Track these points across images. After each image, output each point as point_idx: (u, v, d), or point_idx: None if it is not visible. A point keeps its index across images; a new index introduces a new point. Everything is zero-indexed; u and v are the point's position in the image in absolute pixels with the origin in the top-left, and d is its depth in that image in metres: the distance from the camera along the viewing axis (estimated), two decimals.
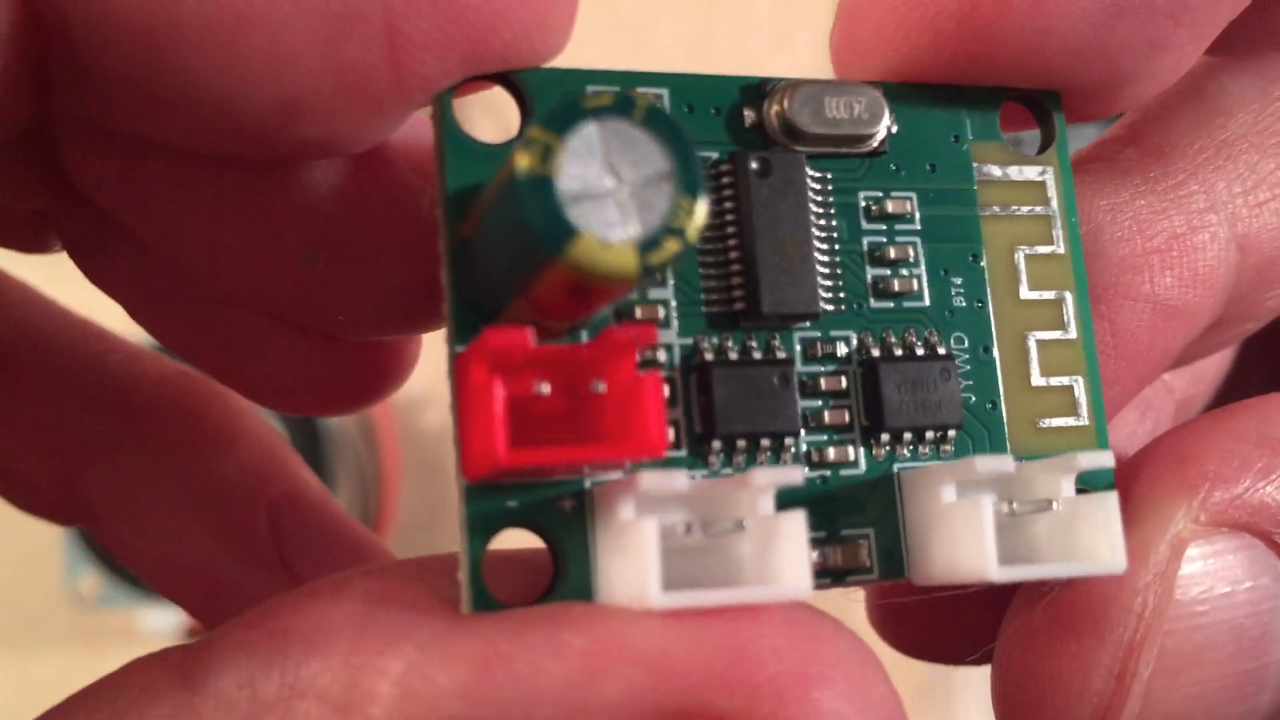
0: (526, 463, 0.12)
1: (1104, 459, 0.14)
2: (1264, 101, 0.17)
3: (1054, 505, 0.14)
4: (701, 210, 0.12)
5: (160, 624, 0.61)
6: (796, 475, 0.13)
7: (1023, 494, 0.15)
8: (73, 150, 0.16)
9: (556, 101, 0.12)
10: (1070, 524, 0.14)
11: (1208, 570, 0.15)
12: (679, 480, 0.13)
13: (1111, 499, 0.14)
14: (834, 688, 0.12)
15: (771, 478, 0.13)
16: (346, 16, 0.12)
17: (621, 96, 0.12)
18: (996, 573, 0.13)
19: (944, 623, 0.17)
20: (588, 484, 0.14)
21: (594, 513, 0.14)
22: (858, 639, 0.13)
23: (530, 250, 0.12)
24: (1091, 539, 0.14)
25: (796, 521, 0.13)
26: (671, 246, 0.12)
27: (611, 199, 0.12)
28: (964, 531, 0.14)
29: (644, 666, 0.12)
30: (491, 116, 0.30)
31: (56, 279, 0.22)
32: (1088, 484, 0.15)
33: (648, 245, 0.12)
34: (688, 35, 0.70)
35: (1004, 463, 0.14)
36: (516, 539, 0.14)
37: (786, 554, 0.13)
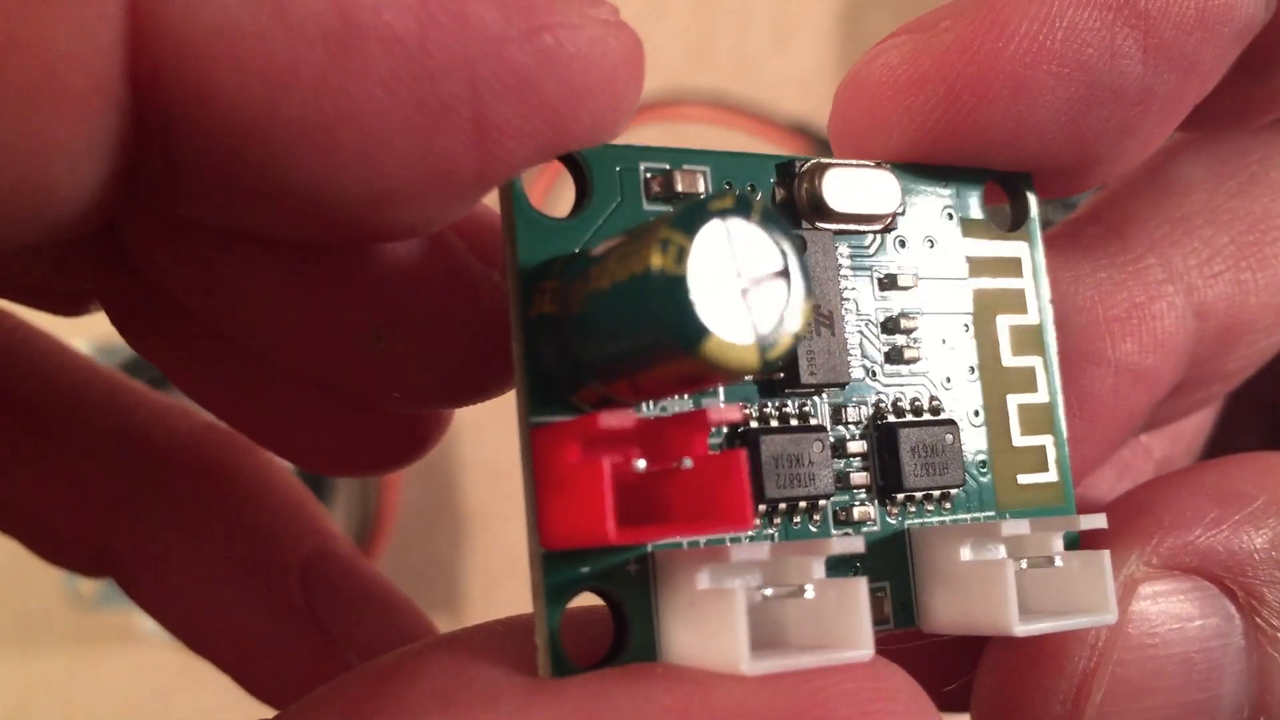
0: (635, 540, 0.13)
1: (1098, 520, 0.16)
2: (1217, 180, 0.19)
3: (1055, 562, 0.16)
4: (810, 306, 0.13)
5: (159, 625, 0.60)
6: (859, 545, 0.14)
7: (1021, 551, 0.16)
8: (141, 237, 0.17)
9: (697, 212, 0.13)
10: (1069, 579, 0.16)
11: (1158, 609, 0.16)
12: (762, 551, 0.14)
13: (1105, 558, 0.16)
14: (897, 716, 0.13)
15: (842, 547, 0.14)
16: (438, 109, 0.13)
17: (741, 198, 0.13)
18: (1018, 627, 0.15)
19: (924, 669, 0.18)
20: (649, 548, 0.15)
21: (655, 575, 0.14)
22: (909, 678, 0.14)
23: (658, 344, 0.12)
24: (1089, 593, 0.16)
25: (861, 588, 0.14)
26: (786, 342, 0.13)
27: (742, 300, 0.13)
28: (985, 589, 0.15)
29: (731, 717, 0.13)
30: None
31: None
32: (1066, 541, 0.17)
33: (768, 344, 0.13)
34: (688, 35, 0.70)
35: (1022, 525, 0.15)
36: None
37: (854, 618, 0.14)
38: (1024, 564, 0.16)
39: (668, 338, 0.12)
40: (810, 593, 0.14)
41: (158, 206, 0.15)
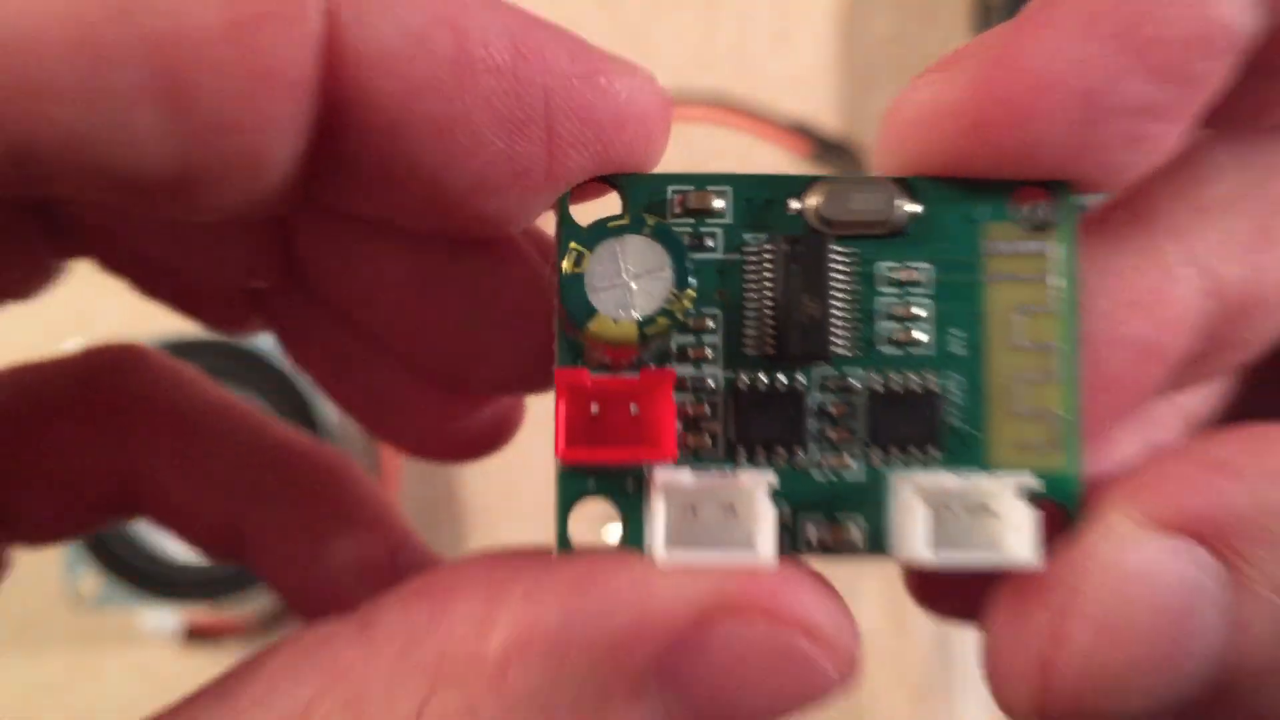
0: (577, 459, 0.19)
1: (1025, 480, 0.19)
2: (1239, 171, 0.21)
3: (994, 511, 0.19)
4: (689, 295, 0.19)
5: (160, 624, 0.61)
6: (770, 477, 0.19)
7: (973, 502, 0.19)
8: (306, 233, 0.23)
9: (596, 228, 0.19)
10: (1003, 526, 0.19)
11: (1137, 560, 0.18)
12: (684, 476, 0.19)
13: (1032, 511, 0.19)
14: (807, 593, 0.18)
15: (751, 478, 0.19)
16: (521, 119, 0.18)
17: (636, 217, 0.19)
18: (928, 556, 0.19)
19: (961, 590, 0.22)
20: (646, 473, 0.19)
21: (649, 491, 0.19)
22: (814, 574, 0.19)
23: (572, 321, 0.18)
24: (1015, 538, 0.19)
25: (760, 500, 0.19)
26: (663, 322, 0.18)
27: (627, 289, 0.18)
28: (910, 523, 0.19)
29: (688, 576, 0.18)
30: None
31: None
32: (1051, 494, 0.20)
33: (647, 323, 0.18)
34: (688, 35, 0.70)
35: (942, 478, 0.19)
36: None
37: (761, 528, 0.19)
38: (955, 508, 0.19)
39: (575, 315, 0.18)
40: (722, 510, 0.19)
41: (324, 197, 0.20)
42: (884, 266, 0.20)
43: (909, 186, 0.20)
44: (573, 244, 0.18)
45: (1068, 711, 0.18)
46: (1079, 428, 0.20)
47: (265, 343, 0.57)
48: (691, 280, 0.18)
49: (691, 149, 0.67)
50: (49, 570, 0.54)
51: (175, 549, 0.54)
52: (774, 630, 0.18)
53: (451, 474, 0.63)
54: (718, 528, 0.19)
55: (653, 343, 0.19)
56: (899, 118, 0.20)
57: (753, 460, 0.20)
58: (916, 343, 0.20)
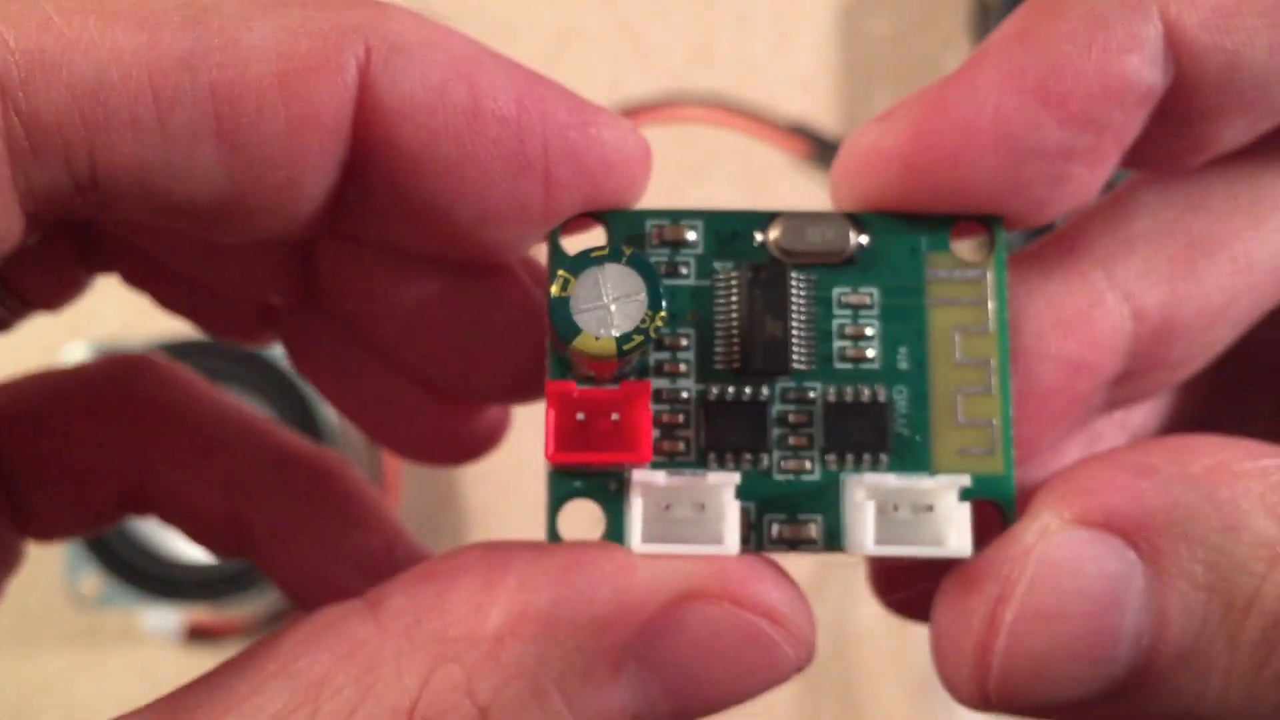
0: (564, 461, 0.21)
1: (962, 481, 0.21)
2: (1163, 206, 0.23)
3: (933, 509, 0.21)
4: (661, 316, 0.20)
5: (161, 624, 0.61)
6: (736, 478, 0.21)
7: (914, 501, 0.22)
8: (326, 256, 0.25)
9: (581, 257, 0.21)
10: (940, 522, 0.21)
11: (1065, 552, 0.20)
12: (658, 477, 0.21)
13: (966, 508, 0.21)
14: (769, 583, 0.20)
15: (717, 479, 0.21)
16: (523, 163, 0.21)
17: (615, 248, 0.21)
18: (874, 549, 0.21)
19: (918, 590, 0.23)
20: (626, 474, 0.21)
21: (629, 492, 0.21)
22: (772, 563, 0.21)
23: (559, 338, 0.20)
24: (950, 532, 0.21)
25: (727, 497, 0.21)
26: (638, 340, 0.20)
27: (606, 309, 0.20)
28: (859, 519, 0.21)
29: (665, 564, 0.20)
30: None
31: None
32: (987, 495, 0.22)
33: (624, 339, 0.20)
34: (687, 36, 0.70)
35: (886, 479, 0.21)
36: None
37: (726, 522, 0.21)
38: (901, 507, 0.21)
39: (561, 333, 0.20)
40: (693, 508, 0.21)
41: (347, 226, 0.22)
42: (838, 291, 0.23)
43: (859, 221, 0.23)
44: (561, 271, 0.20)
45: (1006, 694, 0.20)
46: (1011, 435, 0.22)
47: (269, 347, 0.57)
48: (663, 303, 0.20)
49: (692, 149, 0.67)
50: (51, 570, 0.54)
51: (176, 549, 0.54)
52: (739, 614, 0.20)
53: (451, 476, 0.63)
54: (689, 523, 0.21)
55: (630, 357, 0.21)
56: (846, 160, 0.22)
57: (721, 464, 0.22)
58: (867, 359, 0.22)
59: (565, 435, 0.21)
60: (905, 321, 0.23)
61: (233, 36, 0.19)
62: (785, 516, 0.22)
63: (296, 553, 0.29)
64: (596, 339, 0.20)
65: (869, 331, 0.22)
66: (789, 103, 0.66)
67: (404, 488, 0.62)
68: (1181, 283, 0.23)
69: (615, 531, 0.22)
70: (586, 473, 0.22)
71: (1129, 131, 0.21)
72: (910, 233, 0.23)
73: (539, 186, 0.21)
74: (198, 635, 0.59)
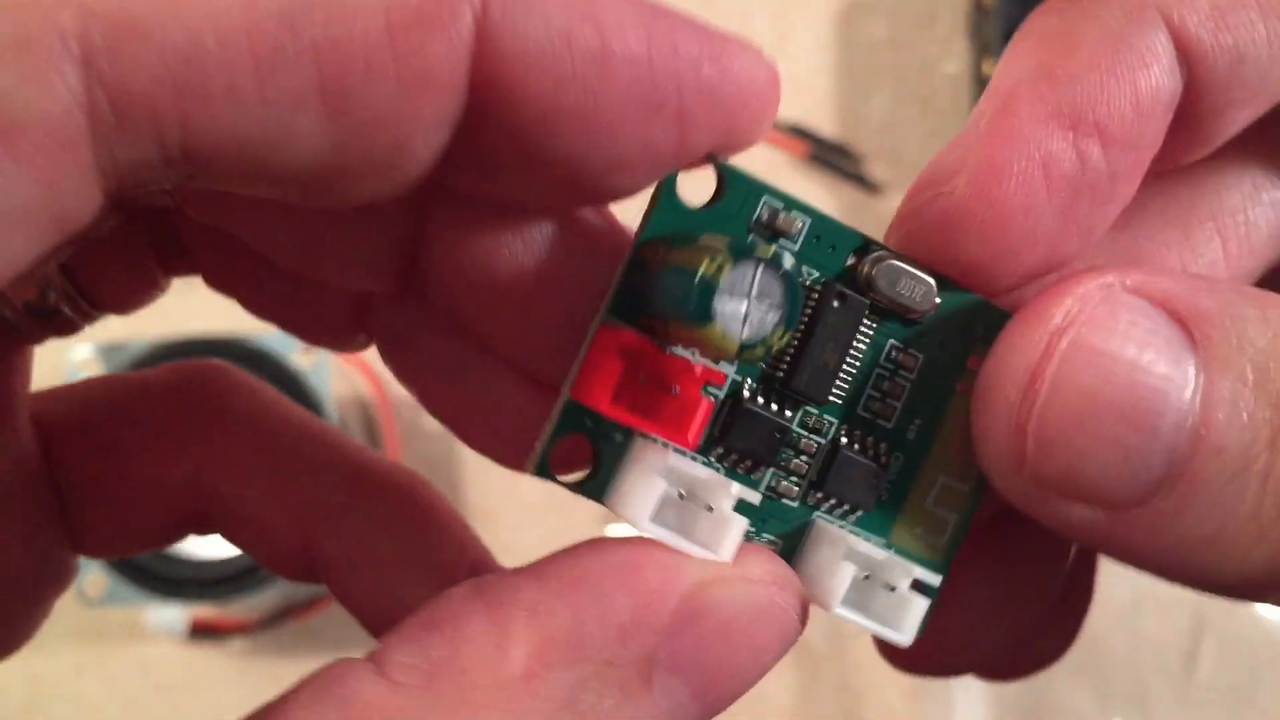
0: (616, 418, 0.21)
1: (934, 580, 0.22)
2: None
3: (895, 590, 0.22)
4: (788, 337, 0.20)
5: (165, 622, 0.61)
6: (755, 497, 0.21)
7: (879, 574, 0.22)
8: (435, 228, 0.23)
9: (745, 245, 0.20)
10: (897, 603, 0.22)
11: (1126, 308, 0.20)
12: (699, 469, 0.21)
13: (924, 603, 0.22)
14: (764, 556, 0.21)
15: (739, 491, 0.21)
16: (657, 104, 0.19)
17: (776, 254, 0.19)
18: (839, 610, 0.22)
19: (932, 643, 0.23)
20: (636, 433, 0.21)
21: (631, 449, 0.21)
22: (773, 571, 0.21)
23: (683, 312, 0.19)
24: (904, 619, 0.22)
25: (735, 521, 0.21)
26: (759, 352, 0.19)
27: (742, 307, 0.19)
28: (832, 575, 0.22)
29: (668, 558, 0.20)
30: None
31: None
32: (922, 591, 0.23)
33: (746, 345, 0.19)
34: None
35: (878, 551, 0.22)
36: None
37: (728, 535, 0.21)
38: (869, 577, 0.22)
39: (690, 311, 0.19)
40: (707, 510, 0.21)
41: (461, 183, 0.21)
42: (891, 343, 0.23)
43: (947, 288, 0.22)
44: (723, 255, 0.19)
45: (1046, 441, 0.20)
46: (961, 539, 0.23)
47: (274, 341, 0.57)
48: (794, 324, 0.20)
49: None
50: None
51: (181, 548, 0.54)
52: (752, 589, 0.20)
53: (452, 476, 0.63)
54: (690, 517, 0.21)
55: (742, 363, 0.20)
56: (915, 211, 0.22)
57: (723, 460, 0.22)
58: (886, 417, 0.23)
59: (621, 388, 0.21)
60: (930, 397, 0.23)
61: None
62: (752, 530, 0.22)
63: (373, 579, 0.27)
64: (723, 334, 0.19)
65: (899, 393, 0.23)
66: (788, 104, 0.66)
67: None
68: (1190, 247, 0.23)
69: (597, 486, 0.21)
70: (599, 417, 0.21)
71: (1160, 140, 0.22)
72: (971, 317, 0.22)
73: (673, 127, 0.20)
74: (202, 633, 0.59)
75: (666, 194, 0.21)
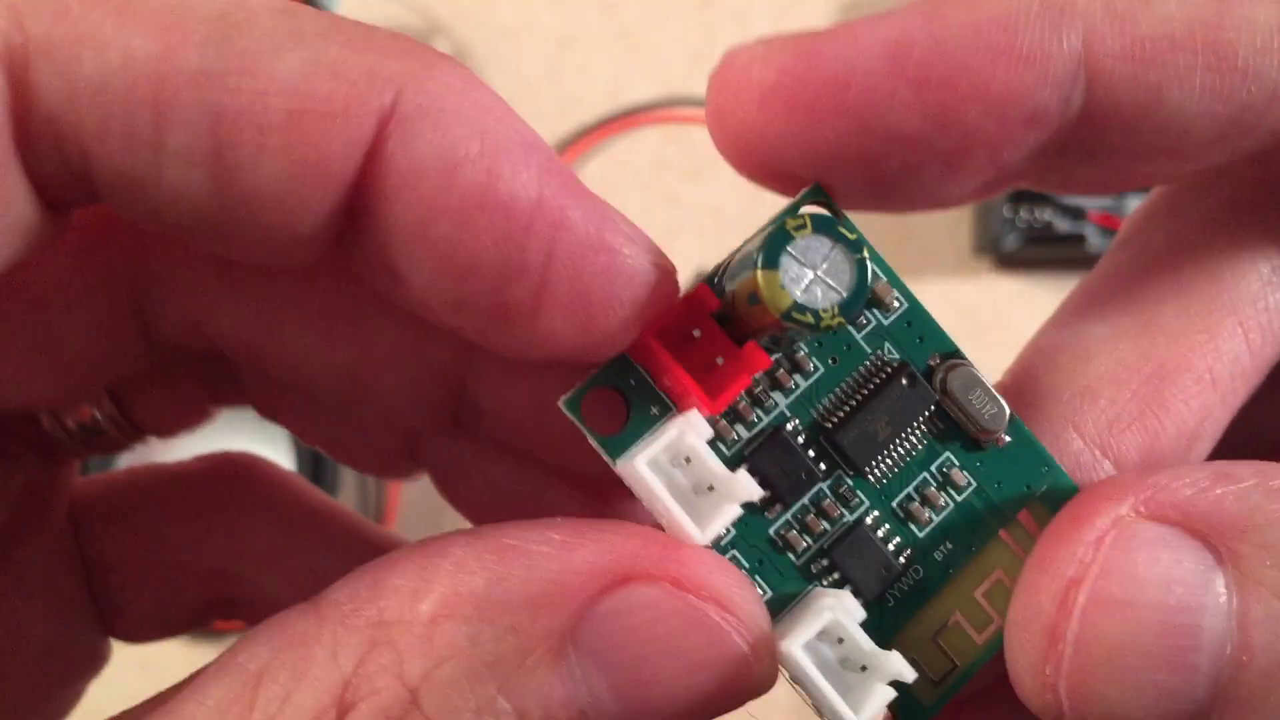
0: (653, 356, 0.20)
1: (906, 673, 0.20)
2: (1116, 338, 0.22)
3: (865, 670, 0.20)
4: (838, 320, 0.19)
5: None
6: (757, 494, 0.20)
7: (858, 654, 0.21)
8: (485, 369, 0.24)
9: (830, 220, 0.20)
10: (859, 687, 0.20)
11: (1141, 542, 0.19)
12: (705, 444, 0.20)
13: (889, 694, 0.20)
14: (717, 571, 0.20)
15: (747, 494, 0.20)
16: (520, 268, 0.19)
17: (857, 241, 0.20)
18: (794, 651, 0.20)
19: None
20: (674, 410, 0.21)
21: (664, 423, 0.21)
22: (727, 566, 0.20)
23: (756, 258, 0.20)
24: (863, 704, 0.20)
25: (733, 511, 0.20)
26: (807, 319, 0.19)
27: (808, 275, 0.19)
28: (803, 621, 0.20)
29: (603, 545, 0.19)
30: None
31: None
32: (904, 715, 0.22)
33: (798, 308, 0.19)
34: (688, 42, 0.71)
35: (856, 614, 0.21)
36: None
37: (717, 520, 0.20)
38: (843, 641, 0.21)
39: (763, 255, 0.19)
40: (702, 482, 0.21)
41: (349, 265, 0.21)
42: (948, 455, 0.22)
43: (1015, 423, 0.22)
44: (807, 213, 0.20)
45: (1079, 695, 0.19)
46: (959, 689, 0.22)
47: None
48: (850, 313, 0.19)
49: (691, 151, 0.67)
50: None
51: None
52: (680, 596, 0.19)
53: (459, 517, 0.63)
54: (686, 490, 0.21)
55: (786, 327, 0.20)
56: (718, 79, 0.22)
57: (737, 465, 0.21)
58: (918, 525, 0.22)
59: (673, 332, 0.20)
60: (971, 527, 0.22)
61: (254, 63, 0.18)
62: (748, 567, 0.22)
63: (471, 481, 0.28)
64: (780, 287, 0.19)
65: (940, 506, 0.22)
66: None
67: (405, 488, 0.62)
68: (1153, 418, 0.22)
69: (620, 441, 0.21)
70: (648, 383, 0.21)
71: (1008, 149, 0.20)
72: (1035, 472, 0.22)
73: (529, 296, 0.20)
74: (203, 633, 0.59)
75: (793, 208, 0.21)
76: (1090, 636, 0.18)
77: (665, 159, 0.67)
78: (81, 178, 0.18)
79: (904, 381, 0.21)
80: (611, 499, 0.26)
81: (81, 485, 0.29)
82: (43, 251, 0.19)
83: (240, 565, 0.28)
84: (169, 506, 0.29)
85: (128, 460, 0.40)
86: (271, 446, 0.58)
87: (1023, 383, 0.23)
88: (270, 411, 0.27)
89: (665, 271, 0.20)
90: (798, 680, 0.20)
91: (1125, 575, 0.18)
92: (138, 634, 0.30)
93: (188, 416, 0.27)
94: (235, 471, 0.29)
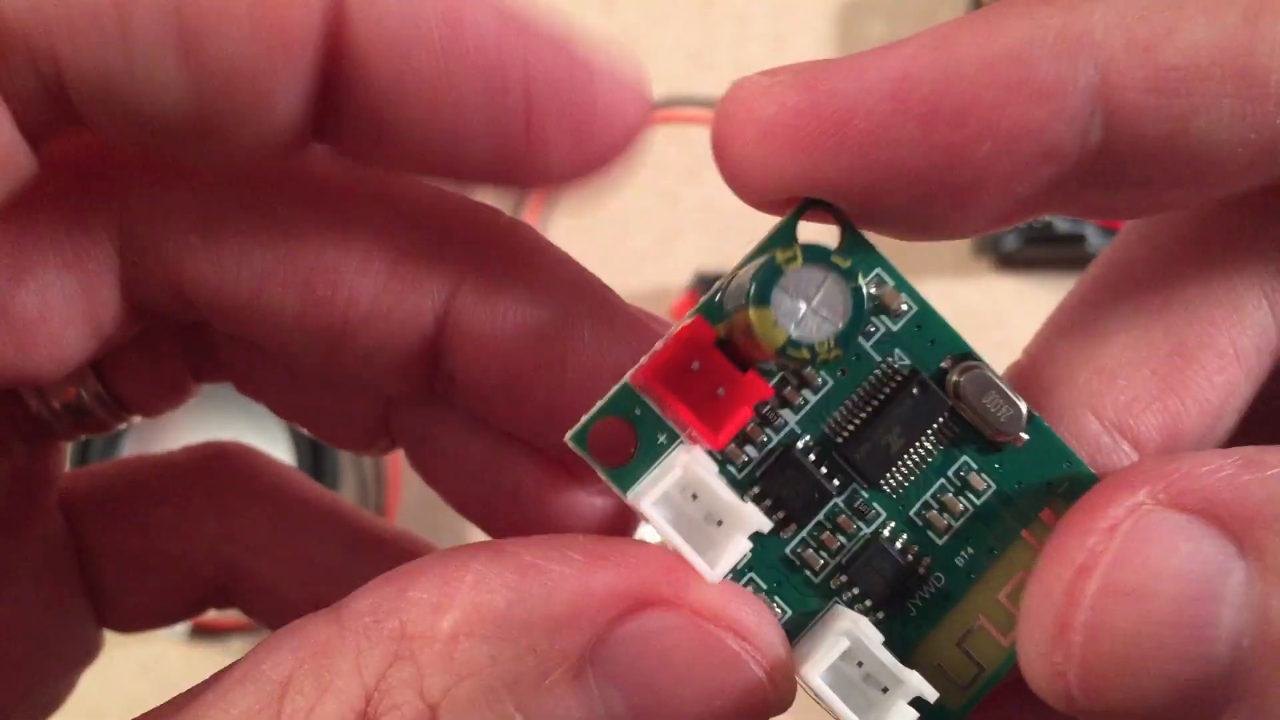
0: (655, 390, 0.20)
1: (926, 691, 0.20)
2: (1135, 317, 0.22)
3: (886, 692, 0.20)
4: (835, 354, 0.19)
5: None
6: (765, 525, 0.20)
7: (879, 674, 0.20)
8: (452, 333, 0.24)
9: (822, 250, 0.19)
10: (880, 707, 0.20)
11: (1158, 530, 0.18)
12: (713, 476, 0.20)
13: (913, 715, 0.20)
14: (735, 600, 0.20)
15: (759, 524, 0.20)
16: (502, 108, 0.20)
17: (850, 270, 0.19)
18: (812, 678, 0.20)
19: None
20: (682, 437, 0.21)
21: (672, 452, 0.21)
22: (750, 601, 0.20)
23: (747, 293, 0.19)
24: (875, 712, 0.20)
25: (741, 545, 0.20)
26: (803, 354, 0.19)
27: (801, 308, 0.19)
28: (823, 646, 0.20)
29: (624, 569, 0.20)
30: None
31: None
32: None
33: (793, 344, 0.19)
34: (688, 43, 0.71)
35: (874, 637, 0.20)
36: None
37: (727, 554, 0.20)
38: (863, 664, 0.20)
39: (754, 291, 0.19)
40: (710, 519, 0.20)
41: (329, 143, 0.21)
42: (965, 460, 0.22)
43: (1034, 422, 0.21)
44: (796, 247, 0.19)
45: (1090, 686, 0.18)
46: (986, 692, 0.21)
47: None
48: (847, 346, 0.19)
49: (690, 151, 0.67)
50: None
51: None
52: (698, 623, 0.19)
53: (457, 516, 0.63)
54: (695, 525, 0.20)
55: (783, 363, 0.20)
56: (724, 111, 0.21)
57: (757, 503, 0.21)
58: (937, 533, 0.22)
59: (672, 370, 0.20)
60: (992, 532, 0.22)
61: None
62: (766, 587, 0.21)
63: (449, 456, 0.28)
64: (774, 324, 0.19)
65: (959, 512, 0.22)
66: None
67: (405, 488, 0.62)
68: (1174, 397, 0.21)
69: (628, 473, 0.21)
70: (653, 412, 0.21)
71: (1022, 183, 0.19)
72: (1057, 468, 0.21)
73: (520, 133, 0.20)
74: (203, 632, 0.59)
75: (785, 228, 0.21)
76: (1101, 626, 0.18)
77: (665, 159, 0.67)
78: (56, 92, 0.19)
79: (915, 390, 0.21)
80: (578, 473, 0.27)
81: (73, 476, 0.29)
82: (24, 193, 0.20)
83: (234, 554, 0.29)
84: (161, 496, 0.29)
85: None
86: (271, 444, 0.58)
87: (1038, 364, 0.23)
88: (249, 386, 0.27)
89: (637, 87, 0.21)
90: (819, 704, 0.20)
91: (1139, 564, 0.18)
92: (131, 624, 0.30)
93: (171, 393, 0.28)
94: (227, 460, 0.29)
